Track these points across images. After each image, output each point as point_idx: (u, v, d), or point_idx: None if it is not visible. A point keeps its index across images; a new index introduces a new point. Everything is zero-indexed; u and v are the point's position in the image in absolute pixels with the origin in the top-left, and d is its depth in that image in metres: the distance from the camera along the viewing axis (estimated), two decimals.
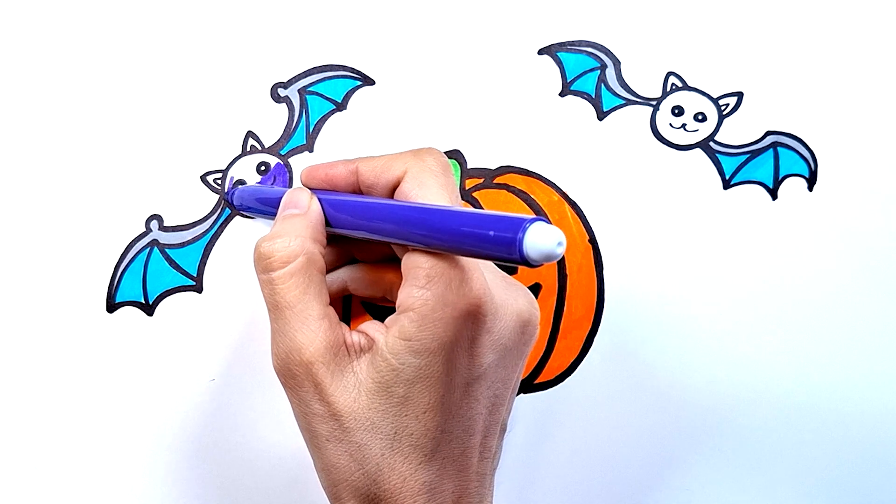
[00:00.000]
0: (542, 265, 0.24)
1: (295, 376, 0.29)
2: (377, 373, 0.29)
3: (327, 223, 0.32)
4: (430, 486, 0.29)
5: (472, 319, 0.29)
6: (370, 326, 0.31)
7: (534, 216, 0.24)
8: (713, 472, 0.39)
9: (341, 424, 0.29)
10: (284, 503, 0.37)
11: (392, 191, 0.31)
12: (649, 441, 0.39)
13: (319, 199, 0.32)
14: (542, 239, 0.23)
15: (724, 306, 0.40)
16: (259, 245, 0.30)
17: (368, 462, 0.29)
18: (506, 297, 0.30)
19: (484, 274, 0.29)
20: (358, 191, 0.33)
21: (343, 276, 0.35)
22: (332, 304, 0.31)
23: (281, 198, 0.33)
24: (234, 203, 0.37)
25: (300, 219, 0.31)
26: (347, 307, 0.38)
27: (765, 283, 0.40)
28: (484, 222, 0.25)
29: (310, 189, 0.34)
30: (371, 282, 0.35)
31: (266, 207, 0.35)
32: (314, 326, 0.29)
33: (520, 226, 0.24)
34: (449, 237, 0.27)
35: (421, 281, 0.28)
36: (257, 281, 0.31)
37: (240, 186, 0.38)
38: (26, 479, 0.37)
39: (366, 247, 0.35)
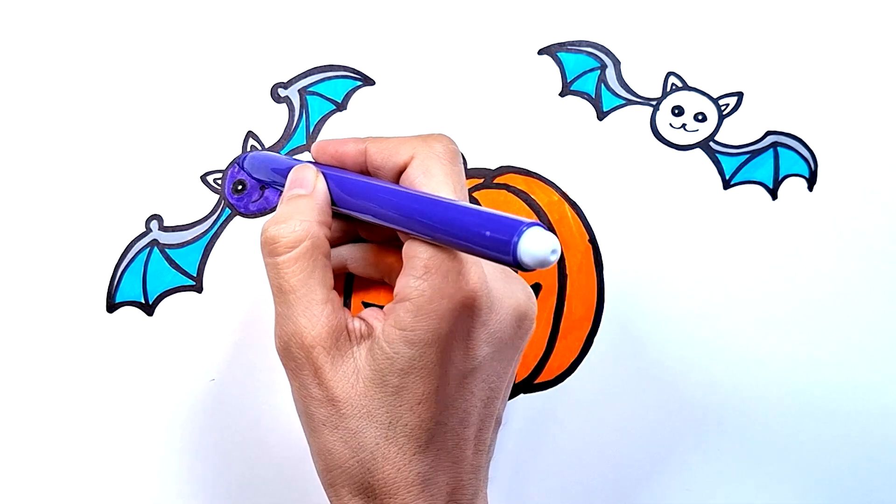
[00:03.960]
0: (534, 270, 0.24)
1: (295, 359, 0.29)
2: (374, 361, 0.29)
3: (333, 202, 0.32)
4: (424, 477, 0.29)
5: (468, 312, 0.29)
6: (370, 314, 0.31)
7: (531, 220, 0.24)
8: (713, 472, 0.39)
9: (338, 410, 0.29)
10: (285, 503, 0.37)
11: (399, 174, 0.31)
12: (649, 441, 0.39)
13: (326, 177, 0.32)
14: (536, 245, 0.23)
15: (723, 306, 0.40)
16: (265, 229, 0.30)
17: (363, 450, 0.29)
18: (503, 290, 0.30)
19: (483, 267, 0.29)
20: (366, 171, 0.33)
21: (345, 253, 0.35)
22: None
23: (290, 168, 0.33)
24: (244, 167, 0.37)
25: (306, 200, 0.31)
26: (349, 286, 0.38)
27: (764, 283, 0.40)
28: (481, 221, 0.25)
29: (319, 164, 0.34)
30: (372, 263, 0.35)
31: (276, 177, 0.35)
32: (317, 311, 0.29)
33: (516, 229, 0.24)
34: (445, 231, 0.27)
35: (419, 271, 0.28)
36: (263, 268, 0.31)
37: (252, 152, 0.38)
38: (26, 479, 0.37)
39: (371, 226, 0.35)
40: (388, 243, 0.35)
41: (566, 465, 0.39)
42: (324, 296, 0.30)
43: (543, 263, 0.24)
